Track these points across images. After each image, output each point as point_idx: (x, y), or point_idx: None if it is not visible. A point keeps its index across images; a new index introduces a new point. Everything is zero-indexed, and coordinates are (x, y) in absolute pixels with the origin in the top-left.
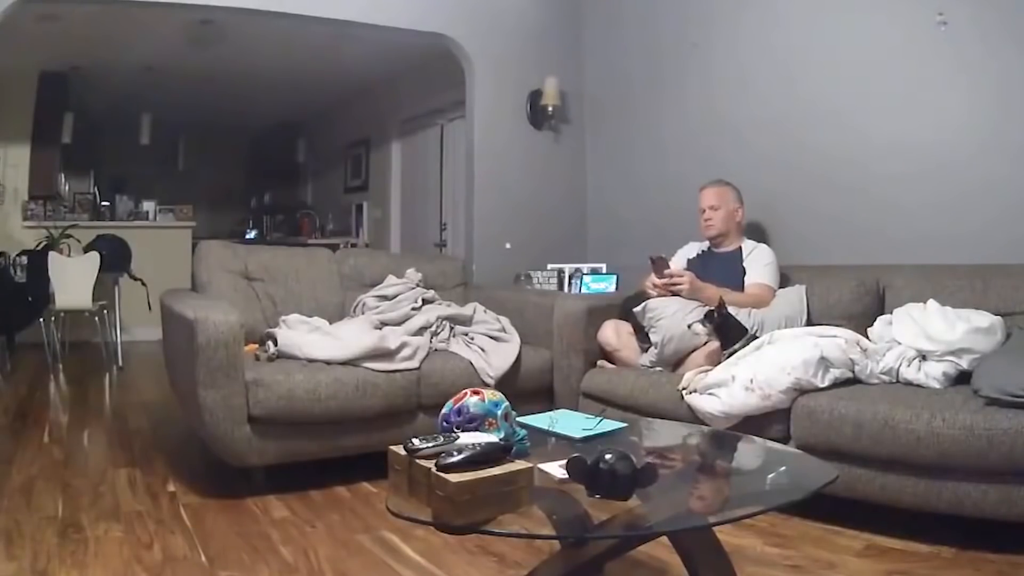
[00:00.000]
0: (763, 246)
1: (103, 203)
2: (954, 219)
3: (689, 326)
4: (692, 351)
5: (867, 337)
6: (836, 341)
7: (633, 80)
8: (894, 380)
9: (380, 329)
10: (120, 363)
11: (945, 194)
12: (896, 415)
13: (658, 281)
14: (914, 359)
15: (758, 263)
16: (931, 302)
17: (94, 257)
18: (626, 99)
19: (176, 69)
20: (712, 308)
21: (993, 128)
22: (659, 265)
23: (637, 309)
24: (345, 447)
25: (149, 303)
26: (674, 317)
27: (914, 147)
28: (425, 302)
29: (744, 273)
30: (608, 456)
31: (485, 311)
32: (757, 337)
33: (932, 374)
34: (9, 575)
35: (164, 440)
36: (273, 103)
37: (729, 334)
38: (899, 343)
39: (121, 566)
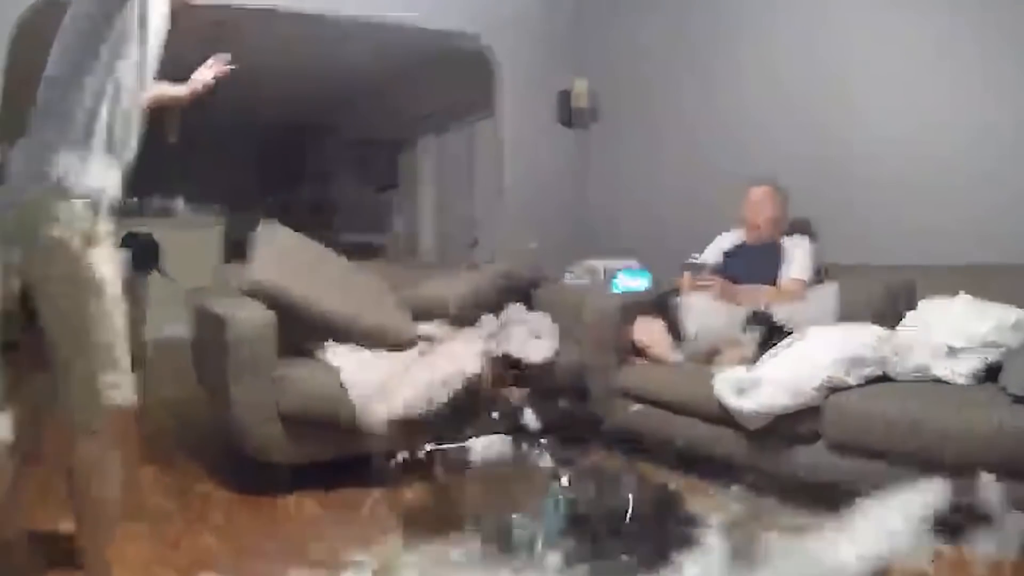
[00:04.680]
0: (803, 239)
1: (131, 199)
2: (988, 219)
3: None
4: (725, 345)
5: (897, 334)
6: (867, 338)
7: (663, 77)
8: (924, 376)
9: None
10: (147, 359)
11: (979, 193)
12: (925, 412)
13: (694, 283)
14: (943, 355)
15: (796, 257)
16: (960, 297)
17: (123, 254)
18: (656, 96)
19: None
20: (755, 310)
21: None
22: (694, 269)
23: (672, 303)
24: (378, 445)
25: (179, 300)
26: (707, 311)
27: (947, 145)
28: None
29: (779, 268)
30: None
31: (523, 309)
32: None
33: (960, 371)
34: None
35: (192, 437)
36: (300, 101)
37: (771, 338)
38: (928, 339)
39: (147, 564)
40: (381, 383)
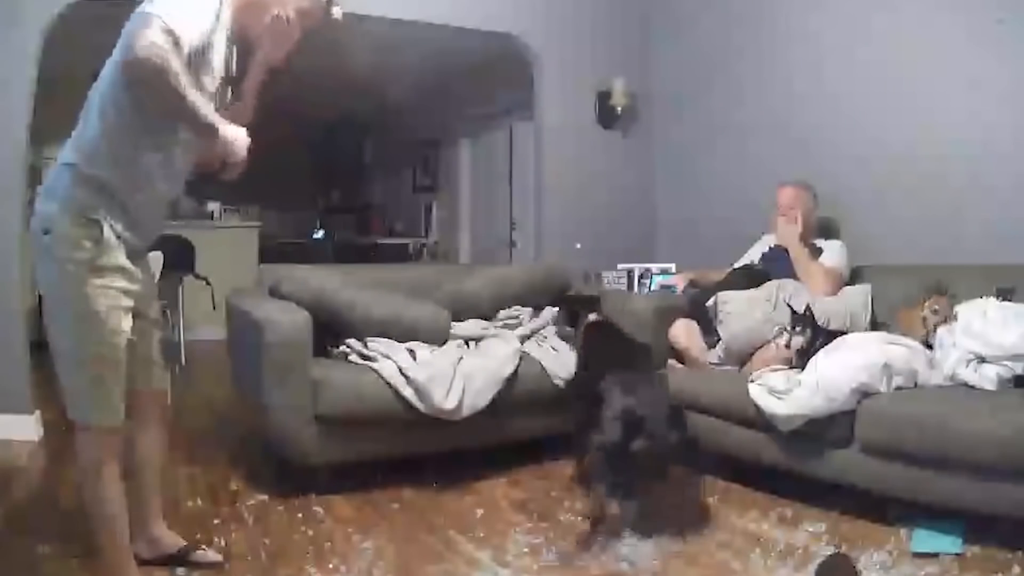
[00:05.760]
0: (834, 241)
1: None
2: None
3: (787, 345)
4: (760, 347)
5: (929, 344)
6: (902, 350)
7: (702, 79)
8: (953, 382)
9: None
10: (183, 361)
11: (1015, 193)
12: (952, 416)
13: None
14: (971, 361)
15: (831, 253)
16: (990, 302)
17: (157, 257)
18: (695, 98)
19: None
20: (799, 313)
21: None
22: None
23: (709, 303)
24: (413, 447)
25: (214, 302)
26: (741, 314)
27: (983, 145)
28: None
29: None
30: None
31: (557, 312)
32: (831, 332)
33: (987, 376)
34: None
35: (227, 438)
36: (340, 102)
37: (816, 339)
38: (959, 346)
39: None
40: (443, 372)
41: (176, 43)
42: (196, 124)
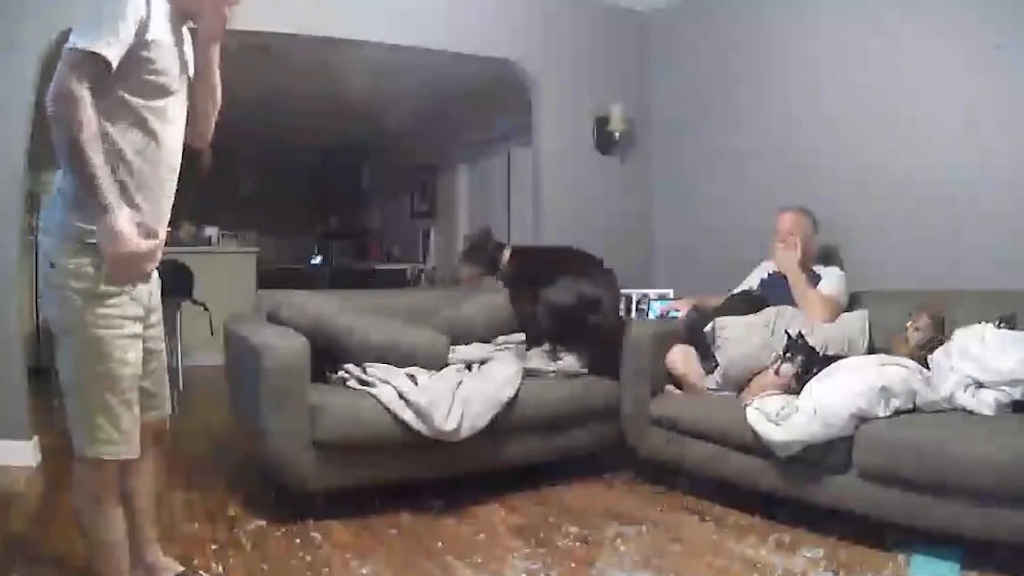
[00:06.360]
0: (833, 268)
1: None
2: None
3: (777, 372)
4: (758, 372)
5: (927, 365)
6: (898, 371)
7: (699, 105)
8: (951, 407)
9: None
10: (180, 387)
11: (1013, 218)
12: (950, 441)
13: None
14: (969, 386)
15: (829, 280)
16: (988, 327)
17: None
18: (693, 124)
19: (236, 94)
20: (793, 338)
21: None
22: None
23: (707, 329)
24: (411, 473)
25: (212, 328)
26: (739, 340)
27: (980, 170)
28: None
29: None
30: None
31: None
32: (827, 358)
33: (985, 401)
34: None
35: (224, 464)
36: (337, 128)
37: (810, 365)
38: (957, 370)
39: None
40: (442, 396)
41: (101, 63)
42: (88, 188)
